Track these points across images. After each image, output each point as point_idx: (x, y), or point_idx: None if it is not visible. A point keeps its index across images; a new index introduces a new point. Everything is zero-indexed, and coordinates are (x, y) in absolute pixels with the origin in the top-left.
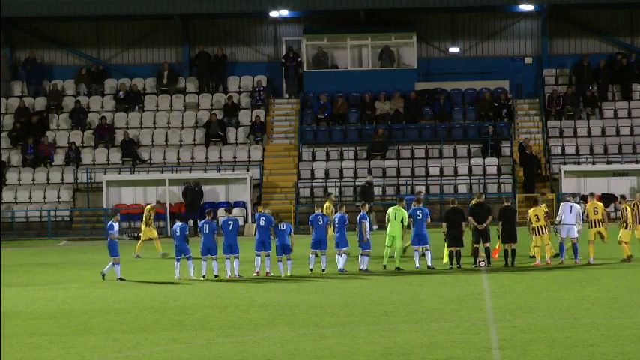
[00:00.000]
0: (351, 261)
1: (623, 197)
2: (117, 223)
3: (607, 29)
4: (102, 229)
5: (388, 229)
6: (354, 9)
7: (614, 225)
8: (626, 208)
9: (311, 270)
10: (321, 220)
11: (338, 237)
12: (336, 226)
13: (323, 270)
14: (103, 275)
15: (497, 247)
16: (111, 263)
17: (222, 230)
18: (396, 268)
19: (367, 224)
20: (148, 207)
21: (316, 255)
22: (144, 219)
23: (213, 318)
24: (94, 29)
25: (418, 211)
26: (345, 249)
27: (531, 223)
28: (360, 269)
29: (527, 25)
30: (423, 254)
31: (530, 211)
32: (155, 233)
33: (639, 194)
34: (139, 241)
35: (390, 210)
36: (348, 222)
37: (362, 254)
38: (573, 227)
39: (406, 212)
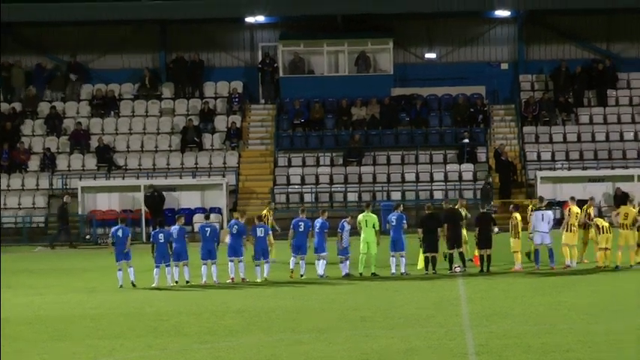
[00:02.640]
0: (330, 266)
1: (572, 199)
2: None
3: (583, 35)
4: (77, 235)
5: (362, 235)
6: (330, 14)
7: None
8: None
9: (292, 271)
10: (302, 225)
11: (317, 242)
12: (316, 231)
13: (302, 275)
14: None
15: (475, 253)
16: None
17: (200, 236)
18: (372, 273)
19: (347, 233)
20: (264, 212)
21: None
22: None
23: (189, 324)
24: (70, 34)
25: (393, 217)
26: (323, 254)
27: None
28: (343, 275)
29: (503, 31)
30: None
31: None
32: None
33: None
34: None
35: (361, 217)
36: (328, 228)
37: (341, 261)
38: (547, 234)
39: (376, 217)
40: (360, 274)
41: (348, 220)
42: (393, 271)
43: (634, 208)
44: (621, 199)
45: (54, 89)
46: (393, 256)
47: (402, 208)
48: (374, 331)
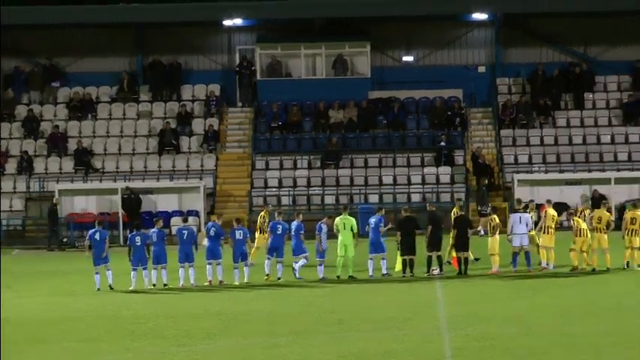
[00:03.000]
0: (308, 269)
1: (549, 202)
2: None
3: (560, 38)
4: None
5: (339, 238)
6: (308, 18)
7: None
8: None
9: (267, 275)
10: (280, 228)
11: (294, 244)
12: (293, 234)
13: (278, 278)
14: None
15: (453, 255)
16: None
17: (178, 239)
18: (349, 276)
19: (324, 235)
20: (262, 213)
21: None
22: (258, 225)
23: (166, 327)
24: (47, 37)
25: (372, 220)
26: (302, 255)
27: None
28: (320, 278)
29: (480, 34)
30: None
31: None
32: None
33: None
34: (254, 249)
35: (338, 220)
36: (304, 230)
37: (319, 264)
38: (525, 236)
39: (354, 220)
40: (338, 276)
41: (324, 221)
42: (371, 273)
43: (607, 211)
44: (596, 202)
45: (33, 90)
46: (371, 258)
47: (383, 212)
48: (351, 334)
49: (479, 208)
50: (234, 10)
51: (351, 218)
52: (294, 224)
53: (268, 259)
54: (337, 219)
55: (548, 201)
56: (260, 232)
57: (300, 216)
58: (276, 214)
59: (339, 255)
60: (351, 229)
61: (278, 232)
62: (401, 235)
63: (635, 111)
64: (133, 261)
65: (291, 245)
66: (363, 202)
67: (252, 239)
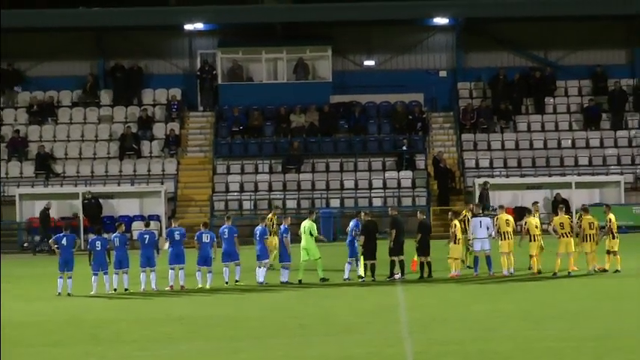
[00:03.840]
0: (271, 273)
1: (501, 207)
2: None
3: (521, 43)
4: (15, 243)
5: (301, 242)
6: (269, 22)
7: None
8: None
9: (226, 283)
10: (227, 232)
11: (259, 249)
12: (257, 239)
13: (237, 281)
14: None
15: (414, 259)
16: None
17: (139, 243)
18: (321, 279)
19: (289, 238)
20: (270, 215)
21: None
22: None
23: (129, 332)
24: (7, 41)
25: (351, 223)
26: (265, 261)
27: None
28: (280, 282)
29: (441, 39)
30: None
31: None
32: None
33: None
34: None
35: (302, 224)
36: (268, 235)
37: (283, 267)
38: (486, 240)
39: (315, 224)
40: (300, 280)
41: (286, 223)
42: (346, 276)
43: (567, 215)
44: (555, 208)
45: None
46: (349, 262)
47: (361, 215)
48: (312, 339)
49: (483, 211)
50: (196, 15)
51: (312, 223)
52: (257, 229)
53: (225, 265)
54: (303, 223)
55: (501, 206)
56: (270, 235)
57: (264, 221)
58: (225, 219)
59: (302, 259)
60: (311, 234)
61: (225, 237)
62: (364, 239)
63: (595, 115)
64: (93, 266)
65: (256, 250)
66: (325, 207)
67: (219, 244)
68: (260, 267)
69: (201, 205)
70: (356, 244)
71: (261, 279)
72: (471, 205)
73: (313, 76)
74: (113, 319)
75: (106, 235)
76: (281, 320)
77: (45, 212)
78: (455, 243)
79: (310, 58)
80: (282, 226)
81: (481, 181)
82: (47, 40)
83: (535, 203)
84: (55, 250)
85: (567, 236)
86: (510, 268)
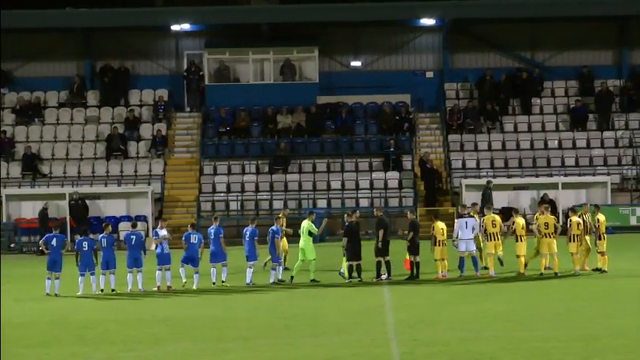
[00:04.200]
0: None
1: (488, 208)
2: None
3: (508, 44)
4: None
5: (300, 243)
6: (255, 23)
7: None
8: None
9: (213, 283)
10: (213, 233)
11: (248, 250)
12: (247, 239)
13: (223, 282)
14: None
15: (407, 258)
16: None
17: (126, 244)
18: (311, 280)
19: (279, 239)
20: (280, 215)
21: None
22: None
23: (115, 332)
24: None
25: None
26: (252, 262)
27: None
28: (270, 282)
29: (428, 40)
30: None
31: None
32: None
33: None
34: (284, 253)
35: (302, 224)
36: (258, 236)
37: (273, 268)
38: (471, 241)
39: (313, 225)
40: (292, 277)
41: (278, 224)
42: (342, 271)
43: (551, 215)
44: (534, 208)
45: None
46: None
47: (344, 217)
48: (298, 340)
49: (488, 210)
50: (182, 16)
51: (310, 222)
52: (247, 229)
53: (213, 266)
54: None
55: (488, 207)
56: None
57: (255, 221)
58: (213, 220)
59: (299, 259)
60: (309, 234)
61: (212, 238)
62: (348, 240)
63: (582, 116)
64: (80, 266)
65: (245, 251)
66: (312, 207)
67: (207, 245)
68: (250, 267)
69: (188, 206)
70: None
71: (248, 280)
72: (477, 206)
73: (300, 76)
74: (100, 320)
75: (92, 236)
76: (268, 321)
77: (44, 212)
78: (437, 245)
79: (297, 58)
80: (249, 228)
81: (469, 181)
82: (34, 40)
83: (542, 203)
84: (45, 251)
85: (550, 236)
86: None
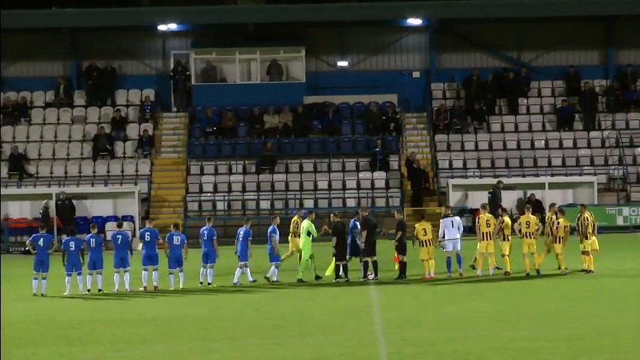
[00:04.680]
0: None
1: (483, 207)
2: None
3: (494, 44)
4: None
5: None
6: (242, 23)
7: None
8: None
9: (201, 283)
10: (206, 234)
11: (240, 251)
12: (240, 240)
13: (209, 283)
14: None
15: (395, 256)
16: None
17: (113, 244)
18: (298, 279)
19: (277, 237)
20: (295, 218)
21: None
22: (291, 230)
23: (102, 333)
24: None
25: (350, 222)
26: (243, 262)
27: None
28: (271, 281)
29: (415, 40)
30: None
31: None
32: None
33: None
34: (288, 253)
35: (302, 224)
36: (252, 236)
37: (273, 267)
38: (458, 241)
39: (313, 225)
40: (317, 277)
41: (274, 224)
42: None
43: (534, 214)
44: (520, 208)
45: None
46: (362, 262)
47: (360, 215)
48: (286, 340)
49: (496, 211)
50: (169, 15)
51: (310, 222)
52: (241, 229)
53: (203, 266)
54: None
55: (483, 206)
56: (294, 237)
57: (249, 222)
58: (206, 220)
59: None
60: (308, 233)
61: (204, 239)
62: (336, 240)
63: (568, 116)
64: (67, 266)
65: (237, 251)
66: (299, 208)
67: (198, 245)
68: (241, 268)
69: (174, 206)
70: (357, 242)
71: (235, 280)
72: (486, 207)
73: (287, 76)
74: (87, 320)
75: (79, 236)
76: (255, 321)
77: (46, 211)
78: (422, 246)
79: (284, 58)
80: (242, 228)
81: (456, 181)
82: (20, 40)
83: (553, 205)
84: (31, 251)
85: (530, 236)
86: (479, 270)
